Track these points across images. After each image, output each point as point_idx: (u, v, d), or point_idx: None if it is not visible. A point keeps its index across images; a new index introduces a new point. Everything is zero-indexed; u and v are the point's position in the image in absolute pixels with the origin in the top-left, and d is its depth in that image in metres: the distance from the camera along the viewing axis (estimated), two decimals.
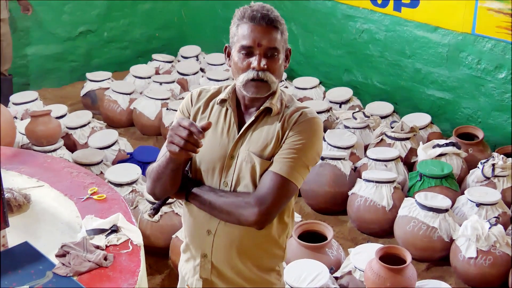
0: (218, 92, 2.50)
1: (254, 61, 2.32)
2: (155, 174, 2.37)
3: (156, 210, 2.46)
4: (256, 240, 2.42)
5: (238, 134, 2.40)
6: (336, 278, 3.94)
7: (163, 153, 2.38)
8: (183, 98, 6.23)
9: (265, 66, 2.31)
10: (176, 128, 2.16)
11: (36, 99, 6.12)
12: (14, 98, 6.11)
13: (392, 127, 5.42)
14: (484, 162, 4.83)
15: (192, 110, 2.49)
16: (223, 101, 2.45)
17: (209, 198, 2.35)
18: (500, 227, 4.13)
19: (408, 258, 3.71)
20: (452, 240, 4.27)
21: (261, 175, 2.35)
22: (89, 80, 6.61)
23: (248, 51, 2.33)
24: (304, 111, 2.40)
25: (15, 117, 5.78)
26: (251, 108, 2.43)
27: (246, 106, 2.44)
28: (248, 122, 2.40)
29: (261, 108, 2.39)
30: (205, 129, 2.15)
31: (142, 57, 7.48)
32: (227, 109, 2.44)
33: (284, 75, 6.68)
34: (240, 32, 2.35)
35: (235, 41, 2.37)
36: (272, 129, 2.38)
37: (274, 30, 2.36)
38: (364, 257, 3.90)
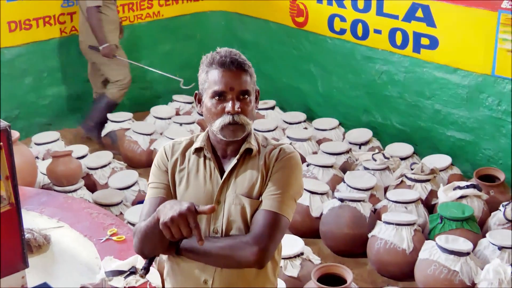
0: (191, 142, 2.53)
1: (228, 105, 2.36)
2: (143, 234, 2.32)
3: (147, 270, 2.39)
4: (253, 281, 2.43)
5: (222, 179, 2.43)
6: None
7: (148, 210, 2.39)
8: None
9: (239, 109, 2.36)
10: (178, 218, 2.11)
11: (58, 139, 6.19)
12: (35, 138, 6.18)
13: (412, 169, 5.40)
14: (506, 205, 4.79)
15: (169, 164, 2.49)
16: (199, 150, 2.48)
17: (203, 247, 2.28)
18: None
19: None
20: (474, 284, 4.21)
21: (252, 216, 2.38)
22: (110, 120, 6.67)
23: (221, 96, 2.37)
24: (283, 148, 2.47)
25: (37, 157, 5.84)
26: (229, 152, 2.47)
27: (223, 150, 2.47)
28: (230, 165, 2.44)
29: (241, 150, 2.43)
30: (206, 213, 2.15)
31: (163, 98, 7.54)
32: (205, 157, 2.47)
33: (304, 116, 6.70)
34: (211, 78, 2.39)
35: (206, 87, 2.41)
36: (256, 169, 2.43)
37: (244, 73, 2.41)
38: None
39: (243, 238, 2.31)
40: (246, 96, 2.40)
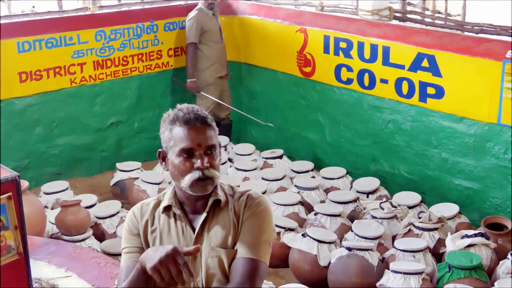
0: (159, 202, 2.53)
1: (196, 161, 2.36)
2: None
3: None
4: None
5: (194, 234, 2.43)
6: None
7: (125, 275, 2.36)
8: None
9: (208, 164, 2.37)
10: (166, 260, 2.11)
11: (67, 188, 6.22)
12: (45, 187, 6.22)
13: (419, 217, 5.40)
14: None
15: (139, 226, 2.49)
16: (168, 208, 2.48)
17: None
18: None
19: None
20: None
21: (229, 266, 2.39)
22: (119, 170, 6.71)
23: (188, 153, 2.37)
24: (250, 194, 2.50)
25: (46, 207, 5.86)
26: (198, 206, 2.47)
27: (192, 205, 2.47)
28: (200, 220, 2.44)
29: (210, 202, 2.44)
30: (191, 253, 2.17)
31: None
32: (174, 214, 2.47)
33: (311, 165, 6.73)
34: (176, 136, 2.39)
35: (172, 145, 2.40)
36: (227, 219, 2.44)
37: (208, 128, 2.42)
38: None
39: None
40: (213, 150, 2.41)
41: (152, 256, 2.15)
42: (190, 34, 7.28)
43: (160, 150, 2.49)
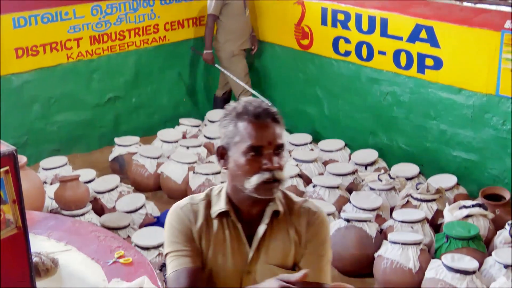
0: (208, 202, 2.32)
1: (266, 161, 2.17)
2: None
3: None
4: None
5: (251, 247, 2.26)
6: None
7: (185, 282, 2.17)
8: (210, 162, 6.29)
9: (278, 165, 2.18)
10: None
11: (66, 164, 6.22)
12: (43, 163, 6.22)
13: (417, 189, 5.41)
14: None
15: (194, 229, 2.27)
16: (223, 214, 2.27)
17: None
18: None
19: None
20: None
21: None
22: (117, 145, 6.72)
23: (257, 151, 2.17)
24: (311, 209, 2.33)
25: (45, 182, 5.88)
26: (252, 213, 2.28)
27: (246, 211, 2.28)
28: (259, 233, 2.26)
29: (268, 212, 2.26)
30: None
31: (170, 122, 7.58)
32: (228, 222, 2.27)
33: (310, 138, 6.73)
34: (243, 131, 2.19)
35: (237, 141, 2.20)
36: (286, 234, 2.28)
37: (278, 125, 2.23)
38: None
39: None
40: (282, 150, 2.21)
41: None
42: (210, 5, 7.22)
43: (219, 146, 2.29)
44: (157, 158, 6.36)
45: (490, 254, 4.62)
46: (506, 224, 4.85)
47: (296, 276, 1.97)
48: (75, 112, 7.21)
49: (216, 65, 7.44)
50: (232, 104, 2.28)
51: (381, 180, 5.63)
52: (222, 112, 2.31)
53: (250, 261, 2.25)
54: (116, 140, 6.77)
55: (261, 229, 2.25)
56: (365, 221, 4.98)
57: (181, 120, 7.32)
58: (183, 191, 6.07)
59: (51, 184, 5.94)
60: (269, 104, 2.27)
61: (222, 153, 2.27)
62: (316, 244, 2.30)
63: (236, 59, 7.41)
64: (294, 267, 2.29)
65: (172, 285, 2.19)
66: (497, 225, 5.04)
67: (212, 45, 7.42)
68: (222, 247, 2.26)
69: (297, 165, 6.10)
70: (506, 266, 4.38)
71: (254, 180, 2.16)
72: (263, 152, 2.17)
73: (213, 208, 2.28)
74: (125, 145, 6.67)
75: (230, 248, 2.25)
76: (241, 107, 2.22)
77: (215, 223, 2.27)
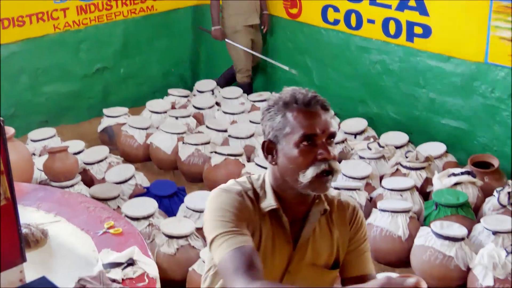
0: (256, 194, 2.15)
1: (321, 150, 2.03)
2: None
3: None
4: None
5: (295, 247, 2.16)
6: None
7: (246, 260, 1.94)
8: (199, 132, 6.29)
9: (333, 155, 2.04)
10: None
11: (54, 135, 6.19)
12: (32, 135, 6.19)
13: (407, 157, 5.43)
14: (500, 190, 4.81)
15: (254, 219, 2.10)
16: (272, 211, 2.13)
17: None
18: None
19: None
20: (469, 269, 4.24)
21: (331, 284, 2.24)
22: (106, 116, 6.69)
23: (310, 141, 2.03)
24: (350, 204, 2.27)
25: (33, 154, 5.85)
26: (299, 210, 2.16)
27: (292, 210, 2.15)
28: (307, 233, 2.16)
29: (317, 211, 2.16)
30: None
31: (159, 93, 7.55)
32: (276, 218, 2.14)
33: None
34: (294, 121, 2.04)
35: (288, 132, 2.05)
36: (330, 235, 2.20)
37: (329, 113, 2.10)
38: None
39: None
40: (333, 139, 2.09)
41: None
42: None
43: (264, 140, 2.13)
44: (146, 128, 6.34)
45: (478, 221, 4.65)
46: (495, 191, 4.87)
47: (410, 282, 1.77)
48: (63, 83, 7.17)
49: (227, 40, 7.24)
50: (275, 94, 2.15)
51: (370, 149, 5.63)
52: (264, 105, 2.16)
53: (292, 261, 2.16)
54: (105, 111, 6.73)
55: (308, 229, 2.16)
56: (355, 189, 4.99)
57: (170, 91, 7.28)
58: (173, 162, 6.07)
59: (39, 155, 5.91)
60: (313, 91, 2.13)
61: (269, 148, 2.12)
62: (360, 240, 2.26)
63: (239, 35, 7.22)
64: (336, 265, 2.25)
65: (233, 263, 1.94)
66: (486, 192, 5.07)
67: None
68: (269, 244, 2.13)
69: None
70: (494, 233, 4.41)
71: (310, 173, 2.02)
72: (316, 141, 2.04)
73: (263, 203, 2.13)
74: (114, 116, 6.65)
75: (276, 247, 2.14)
76: (288, 96, 2.08)
77: (266, 218, 2.13)
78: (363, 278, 2.23)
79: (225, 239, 1.99)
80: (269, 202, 2.11)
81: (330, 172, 2.04)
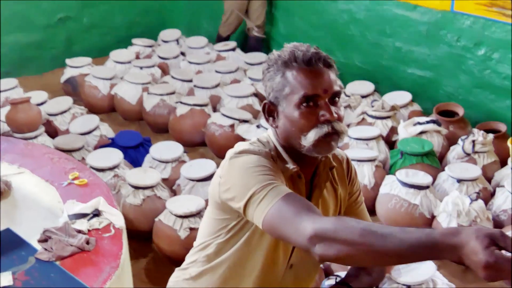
0: (273, 157, 2.00)
1: (323, 111, 1.91)
2: (399, 250, 1.64)
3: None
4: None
5: None
6: None
7: (303, 203, 1.80)
8: (164, 82, 6.22)
9: (337, 116, 1.93)
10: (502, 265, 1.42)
11: (16, 86, 6.08)
12: None
13: (373, 106, 5.44)
14: (465, 139, 4.86)
15: (283, 178, 1.97)
16: (294, 173, 2.02)
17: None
18: (480, 202, 4.17)
19: None
20: (433, 217, 4.30)
21: None
22: (69, 66, 6.58)
23: (311, 102, 1.92)
24: (343, 156, 2.20)
25: None
26: (307, 171, 2.06)
27: (303, 171, 2.04)
28: (321, 193, 2.09)
29: (326, 171, 2.07)
30: None
31: (123, 43, 7.44)
32: (294, 180, 2.03)
33: (265, 56, 6.66)
34: (294, 81, 1.92)
35: (288, 93, 1.94)
36: (334, 193, 2.15)
37: (332, 70, 1.98)
38: None
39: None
40: (338, 98, 1.97)
41: (482, 250, 1.45)
42: None
43: (265, 102, 2.02)
44: (110, 79, 6.26)
45: (443, 169, 4.70)
46: (459, 140, 4.92)
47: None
48: (24, 33, 7.03)
49: None
50: (274, 52, 2.02)
51: None
52: (264, 64, 2.04)
53: None
54: (68, 61, 6.62)
55: (321, 189, 2.08)
56: None
57: (134, 40, 7.18)
58: (138, 112, 6.02)
59: (2, 107, 5.80)
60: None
61: (270, 110, 2.01)
62: (357, 192, 2.24)
63: None
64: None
65: (290, 208, 1.77)
66: (451, 141, 5.11)
67: None
68: None
69: (252, 84, 6.08)
70: (458, 181, 4.47)
71: (311, 136, 1.91)
72: (318, 102, 1.92)
73: (283, 165, 2.01)
74: (77, 66, 6.54)
75: None
76: (287, 53, 1.96)
77: (288, 181, 2.00)
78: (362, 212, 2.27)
79: (269, 189, 1.82)
80: (289, 165, 2.01)
81: (335, 132, 1.93)
